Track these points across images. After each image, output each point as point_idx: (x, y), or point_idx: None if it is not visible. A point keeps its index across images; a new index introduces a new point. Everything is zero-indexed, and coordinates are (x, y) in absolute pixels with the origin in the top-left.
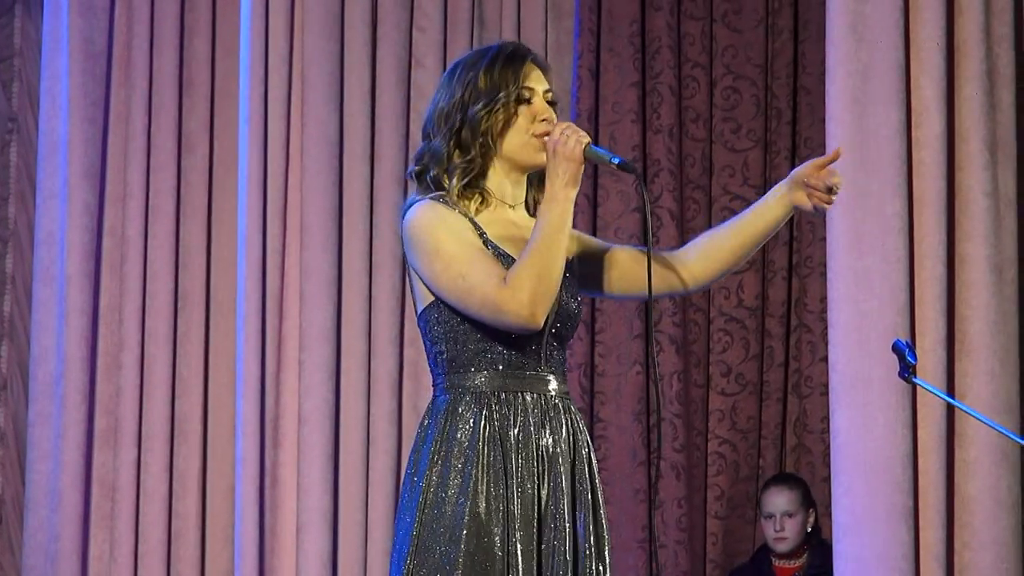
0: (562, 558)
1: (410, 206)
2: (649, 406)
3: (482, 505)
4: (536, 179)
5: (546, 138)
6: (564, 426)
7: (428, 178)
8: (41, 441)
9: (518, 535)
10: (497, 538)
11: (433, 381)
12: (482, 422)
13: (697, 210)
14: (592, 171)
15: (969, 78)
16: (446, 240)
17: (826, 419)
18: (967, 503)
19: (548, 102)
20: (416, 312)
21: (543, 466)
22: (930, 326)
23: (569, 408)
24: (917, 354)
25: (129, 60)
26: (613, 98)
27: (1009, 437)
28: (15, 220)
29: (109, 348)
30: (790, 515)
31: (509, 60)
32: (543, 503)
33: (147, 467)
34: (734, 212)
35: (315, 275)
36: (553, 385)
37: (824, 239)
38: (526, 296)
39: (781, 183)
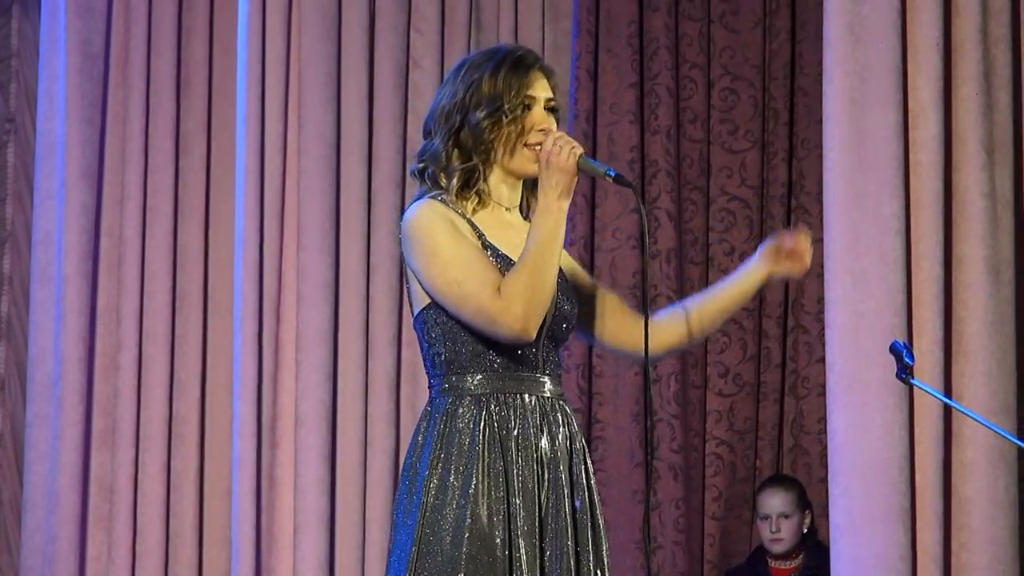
0: (565, 563)
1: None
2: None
3: (484, 508)
4: (531, 183)
5: (538, 148)
6: (561, 428)
7: (427, 176)
8: (39, 442)
9: (521, 538)
10: (499, 540)
11: (430, 383)
12: (482, 424)
13: (695, 211)
14: None
15: (966, 79)
16: (444, 243)
17: (823, 420)
18: (964, 504)
19: (551, 109)
20: (413, 313)
21: (541, 468)
22: (927, 327)
23: (565, 410)
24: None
25: (126, 61)
26: (611, 99)
27: (1006, 438)
28: (12, 221)
29: (107, 349)
30: (786, 516)
31: (514, 66)
32: (543, 507)
33: (145, 468)
34: (732, 213)
35: (312, 276)
36: (549, 387)
37: (821, 240)
38: (519, 309)
39: (752, 261)
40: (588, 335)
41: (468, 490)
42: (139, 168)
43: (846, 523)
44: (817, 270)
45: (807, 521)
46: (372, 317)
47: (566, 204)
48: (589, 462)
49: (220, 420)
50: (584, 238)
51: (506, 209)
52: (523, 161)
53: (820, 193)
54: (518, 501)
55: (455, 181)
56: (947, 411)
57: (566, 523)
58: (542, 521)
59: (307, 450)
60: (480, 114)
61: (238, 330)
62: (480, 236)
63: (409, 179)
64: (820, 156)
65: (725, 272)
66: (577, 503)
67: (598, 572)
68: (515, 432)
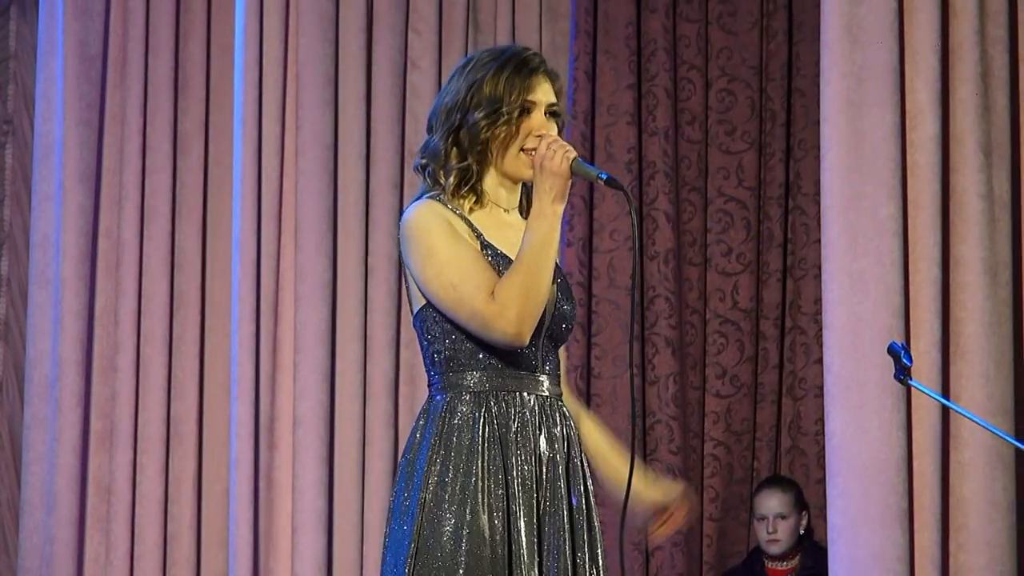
0: (562, 562)
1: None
2: (645, 409)
3: (483, 505)
4: (530, 186)
5: (533, 153)
6: (559, 428)
7: (428, 173)
8: (37, 444)
9: (521, 536)
10: (499, 537)
11: (429, 381)
12: (481, 421)
13: (693, 212)
14: None
15: (964, 80)
16: (440, 245)
17: (820, 421)
18: (962, 505)
19: (552, 113)
20: (412, 312)
21: (540, 466)
22: (925, 328)
23: (563, 410)
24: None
25: (124, 63)
26: (609, 100)
27: (1004, 439)
28: (10, 223)
29: (105, 351)
30: (783, 517)
31: (517, 69)
32: (541, 505)
33: (143, 469)
34: (729, 214)
35: (310, 277)
36: (546, 386)
37: (819, 241)
38: (513, 314)
39: (650, 482)
40: None
41: (468, 487)
42: (137, 169)
43: (844, 524)
44: (815, 271)
45: (804, 522)
46: (370, 318)
47: (560, 208)
48: (586, 462)
49: (218, 421)
50: (582, 239)
51: (504, 210)
52: (518, 165)
53: (817, 194)
54: (518, 498)
55: (452, 179)
56: (945, 412)
57: (563, 522)
58: (540, 519)
59: (305, 451)
60: (478, 115)
61: (236, 331)
62: (479, 236)
63: (407, 180)
64: (817, 157)
65: (723, 273)
66: (574, 500)
67: (593, 571)
68: (514, 430)
